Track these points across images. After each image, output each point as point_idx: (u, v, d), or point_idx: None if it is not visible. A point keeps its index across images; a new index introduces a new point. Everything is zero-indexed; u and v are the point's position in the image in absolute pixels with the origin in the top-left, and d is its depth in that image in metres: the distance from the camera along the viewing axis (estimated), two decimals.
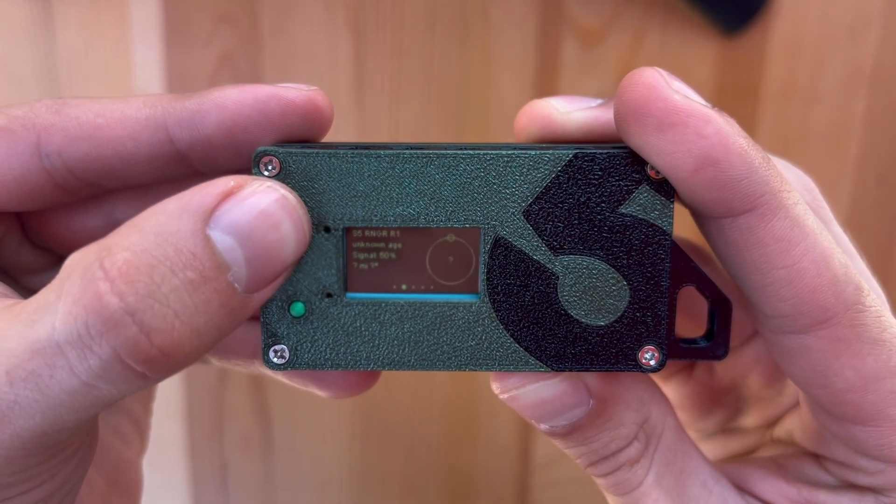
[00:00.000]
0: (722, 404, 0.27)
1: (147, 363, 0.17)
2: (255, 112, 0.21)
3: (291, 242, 0.19)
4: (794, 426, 0.24)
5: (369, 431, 0.56)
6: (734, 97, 0.51)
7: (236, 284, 0.18)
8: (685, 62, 0.50)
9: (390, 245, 0.21)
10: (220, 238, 0.17)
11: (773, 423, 0.25)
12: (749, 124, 0.51)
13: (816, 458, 0.23)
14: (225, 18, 0.49)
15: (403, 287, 0.21)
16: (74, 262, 0.17)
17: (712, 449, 0.27)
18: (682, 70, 0.50)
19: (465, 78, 0.50)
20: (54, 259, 0.24)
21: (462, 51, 0.49)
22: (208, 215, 0.17)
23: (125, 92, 0.50)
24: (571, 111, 0.23)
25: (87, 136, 0.21)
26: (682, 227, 0.22)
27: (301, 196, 0.20)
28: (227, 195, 0.18)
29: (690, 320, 0.25)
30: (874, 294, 0.20)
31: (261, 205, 0.18)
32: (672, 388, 0.28)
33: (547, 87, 0.50)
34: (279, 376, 0.22)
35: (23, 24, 0.48)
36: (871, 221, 0.53)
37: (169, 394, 0.55)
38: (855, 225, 0.53)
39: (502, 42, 0.49)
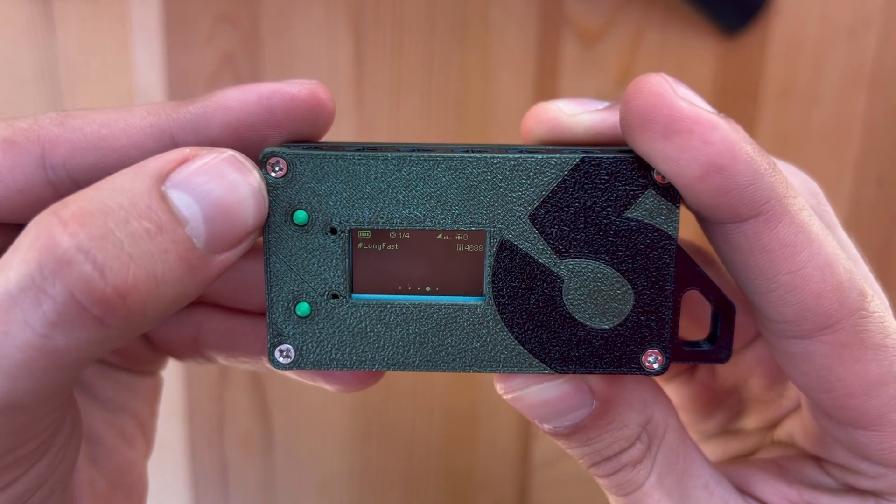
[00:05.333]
0: (723, 406, 0.27)
1: (102, 304, 0.16)
2: (259, 110, 0.20)
3: (250, 206, 0.19)
4: (796, 428, 0.24)
5: (369, 431, 0.56)
6: (734, 97, 0.50)
7: (195, 240, 0.18)
8: (685, 62, 0.50)
9: (396, 247, 0.21)
10: (177, 195, 0.18)
11: (774, 425, 0.25)
12: (749, 125, 0.51)
13: (818, 460, 0.23)
14: (225, 18, 0.48)
15: (409, 288, 0.21)
16: (31, 222, 0.17)
17: (713, 450, 0.27)
18: (682, 70, 0.50)
19: (465, 78, 0.49)
20: None
21: (462, 51, 0.49)
22: (164, 176, 0.18)
23: (125, 91, 0.50)
24: (578, 113, 0.23)
25: (91, 147, 0.21)
26: (687, 229, 0.22)
27: (308, 197, 0.20)
28: (184, 161, 0.18)
29: (694, 323, 0.25)
30: (878, 300, 0.20)
31: (217, 167, 0.18)
32: (674, 390, 0.28)
33: (547, 86, 0.50)
34: (287, 373, 0.22)
35: (23, 24, 0.48)
36: (871, 222, 0.53)
37: (169, 394, 0.55)
38: (855, 225, 0.53)
39: (502, 42, 0.49)
